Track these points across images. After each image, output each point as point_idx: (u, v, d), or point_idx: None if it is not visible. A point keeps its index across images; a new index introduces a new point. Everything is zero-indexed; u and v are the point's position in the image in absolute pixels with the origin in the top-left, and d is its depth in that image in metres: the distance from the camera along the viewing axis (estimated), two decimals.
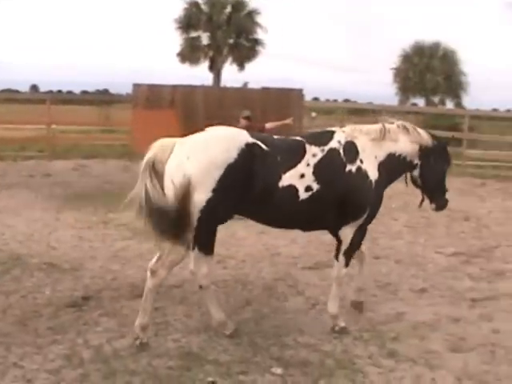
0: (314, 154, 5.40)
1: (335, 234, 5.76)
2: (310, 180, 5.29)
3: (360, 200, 5.53)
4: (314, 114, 32.01)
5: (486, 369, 5.07)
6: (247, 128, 10.06)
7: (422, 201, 6.38)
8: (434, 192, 6.20)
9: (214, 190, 4.93)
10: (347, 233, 5.65)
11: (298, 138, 5.63)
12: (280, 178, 5.20)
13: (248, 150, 5.09)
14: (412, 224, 10.53)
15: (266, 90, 20.15)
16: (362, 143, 5.64)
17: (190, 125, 19.47)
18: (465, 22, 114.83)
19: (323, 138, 5.61)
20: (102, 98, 34.19)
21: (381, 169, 5.67)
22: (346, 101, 53.02)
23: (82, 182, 14.62)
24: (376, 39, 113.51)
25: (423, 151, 5.94)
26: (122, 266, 7.56)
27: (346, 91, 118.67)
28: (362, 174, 5.51)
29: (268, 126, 11.59)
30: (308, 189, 5.28)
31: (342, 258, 5.71)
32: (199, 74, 73.63)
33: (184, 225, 4.91)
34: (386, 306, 6.45)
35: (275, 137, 5.57)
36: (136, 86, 20.19)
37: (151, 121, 18.30)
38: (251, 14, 43.58)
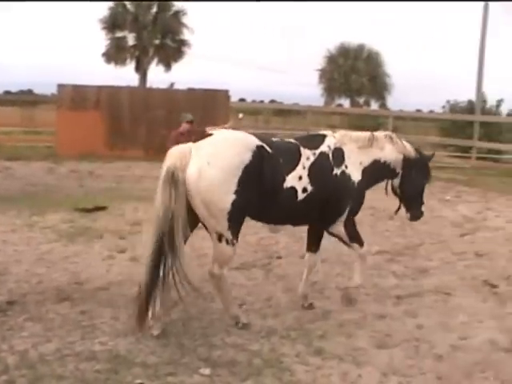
0: (307, 157, 5.82)
1: (313, 231, 6.45)
2: (305, 182, 5.72)
3: (342, 200, 6.05)
4: (240, 115, 32.06)
5: (410, 363, 5.19)
6: (189, 132, 10.05)
7: (398, 209, 6.90)
8: (411, 202, 6.73)
9: (236, 191, 5.25)
10: (339, 229, 6.23)
11: (293, 140, 6.03)
12: (284, 179, 5.60)
13: (258, 152, 5.42)
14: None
15: (191, 90, 20.16)
16: (348, 149, 6.12)
17: (115, 126, 19.39)
18: (389, 25, 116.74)
19: (315, 141, 6.06)
20: (25, 99, 33.49)
21: (365, 173, 6.19)
22: (272, 101, 53.32)
23: (5, 184, 14.20)
24: (302, 40, 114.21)
25: (406, 161, 6.44)
26: (48, 270, 7.39)
27: (272, 92, 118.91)
28: (345, 176, 6.02)
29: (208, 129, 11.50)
30: (304, 190, 5.72)
31: (353, 245, 6.33)
32: (125, 75, 72.77)
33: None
34: (314, 305, 6.50)
35: (274, 139, 5.99)
36: (60, 87, 19.92)
37: (76, 122, 18.12)
38: (177, 15, 43.47)
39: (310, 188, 5.74)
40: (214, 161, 5.22)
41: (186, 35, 44.10)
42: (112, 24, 42.78)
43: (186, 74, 75.71)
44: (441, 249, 9.32)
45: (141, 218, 9.92)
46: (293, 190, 5.65)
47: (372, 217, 11.49)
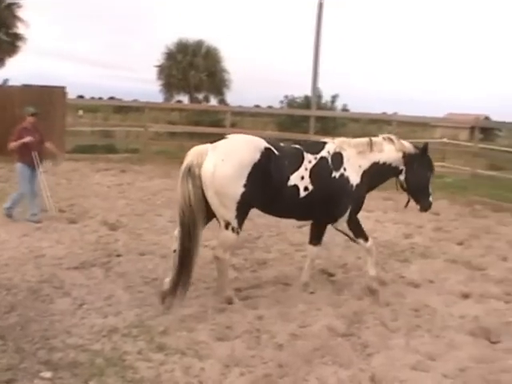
0: (309, 160, 6.53)
1: (316, 225, 7.16)
2: (307, 182, 6.45)
3: (341, 200, 6.71)
4: (80, 112, 31.28)
5: (252, 354, 5.31)
6: (34, 126, 9.63)
7: (408, 202, 7.45)
8: (419, 195, 7.25)
9: (245, 185, 6.05)
10: (343, 226, 6.91)
11: (297, 146, 6.71)
12: (288, 178, 6.35)
13: (266, 153, 6.23)
14: (176, 219, 10.61)
15: (27, 87, 19.27)
16: (347, 154, 6.78)
17: None
18: (227, 21, 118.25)
19: (317, 147, 6.75)
20: None
21: (365, 175, 6.83)
22: (112, 98, 52.40)
23: None
24: (142, 36, 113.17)
25: (407, 158, 7.03)
26: None
27: (111, 89, 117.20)
28: (343, 179, 6.68)
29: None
30: (306, 189, 6.44)
31: (358, 240, 6.95)
32: None
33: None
34: (154, 300, 6.47)
35: (281, 144, 6.70)
36: None
37: None
38: (11, 7, 41.44)
39: (310, 187, 6.46)
40: (227, 158, 6.04)
41: (20, 29, 42.25)
42: None
43: (20, 70, 72.54)
44: (279, 241, 9.58)
45: None
46: (295, 187, 6.39)
47: None
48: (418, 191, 7.22)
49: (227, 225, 6.26)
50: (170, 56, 47.69)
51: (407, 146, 7.10)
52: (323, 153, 6.70)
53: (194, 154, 6.23)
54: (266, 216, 11.16)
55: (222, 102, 47.55)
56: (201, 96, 49.47)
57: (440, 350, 5.61)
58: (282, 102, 30.79)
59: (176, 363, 5.05)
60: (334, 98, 30.13)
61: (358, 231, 6.97)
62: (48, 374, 4.70)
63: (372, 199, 14.41)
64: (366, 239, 7.00)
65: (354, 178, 6.75)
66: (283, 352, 5.37)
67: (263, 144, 6.31)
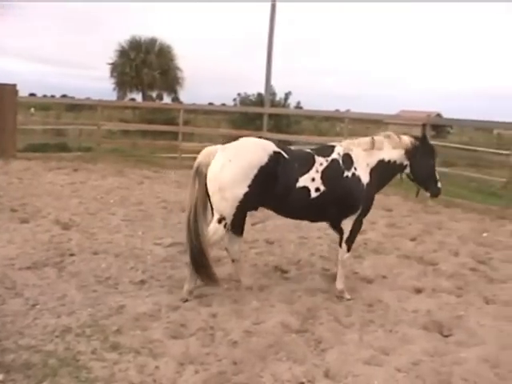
0: (321, 163, 6.74)
1: (335, 227, 7.19)
2: (318, 183, 6.63)
3: (354, 199, 6.84)
4: (32, 110, 30.81)
5: (206, 351, 5.32)
6: None
7: (418, 191, 7.74)
8: (427, 183, 7.40)
9: (249, 186, 6.28)
10: (347, 224, 6.99)
11: (308, 150, 6.95)
12: (297, 180, 6.55)
13: (275, 156, 6.44)
14: (130, 217, 10.59)
15: None
16: (356, 154, 6.96)
17: None
18: (180, 18, 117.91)
19: (327, 150, 6.96)
20: None
21: (372, 173, 6.99)
22: (64, 96, 51.90)
23: None
24: (96, 34, 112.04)
25: (408, 152, 7.19)
26: None
27: (64, 87, 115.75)
28: (355, 178, 6.84)
29: None
30: (317, 189, 6.63)
31: (344, 245, 7.06)
32: None
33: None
34: (108, 299, 6.45)
35: (292, 148, 7.04)
36: None
37: None
38: None
39: (322, 188, 6.64)
40: (235, 159, 6.30)
41: None
42: None
43: None
44: None
45: None
46: (305, 189, 6.57)
47: (164, 210, 11.55)
48: (426, 180, 7.39)
49: (221, 220, 6.43)
50: (123, 54, 47.23)
51: (407, 141, 7.23)
52: (334, 155, 6.89)
53: (203, 154, 6.53)
54: None
55: (176, 99, 47.37)
56: (154, 94, 49.21)
57: (393, 344, 5.69)
58: (235, 99, 30.74)
59: (130, 362, 5.03)
60: (288, 95, 30.22)
61: (352, 236, 7.09)
62: (0, 376, 4.64)
63: None
64: (349, 250, 7.14)
65: (364, 177, 6.92)
66: (237, 349, 5.39)
67: (272, 148, 6.54)
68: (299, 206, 6.69)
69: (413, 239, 10.14)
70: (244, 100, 30.09)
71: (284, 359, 5.26)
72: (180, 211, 11.41)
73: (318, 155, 6.82)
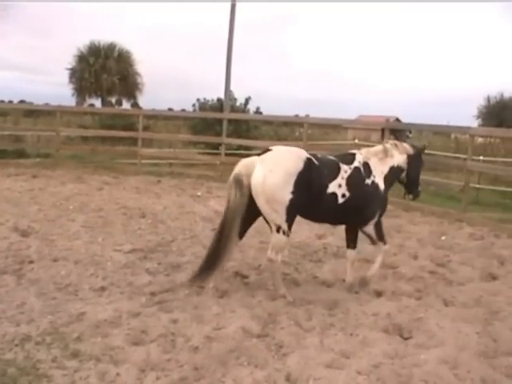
0: (345, 170, 7.16)
1: (349, 228, 7.67)
2: (344, 189, 7.06)
3: (374, 204, 7.39)
4: None
5: (167, 357, 5.31)
6: None
7: (405, 193, 8.47)
8: (413, 186, 8.20)
9: (292, 192, 6.62)
10: (370, 229, 7.56)
11: (331, 157, 7.35)
12: (327, 186, 6.95)
13: (308, 163, 6.79)
14: (90, 224, 10.53)
15: None
16: (373, 163, 7.50)
17: None
18: (139, 23, 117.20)
19: (349, 159, 7.39)
20: None
21: (385, 180, 7.56)
22: (22, 102, 51.32)
23: None
24: (53, 38, 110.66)
25: (409, 158, 7.88)
26: None
27: (22, 92, 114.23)
28: (374, 186, 7.38)
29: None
30: (343, 195, 7.05)
31: (379, 243, 7.70)
32: None
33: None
34: (68, 307, 6.40)
35: (319, 155, 7.22)
36: None
37: None
38: None
39: (347, 194, 7.06)
40: (275, 168, 6.63)
41: None
42: None
43: None
44: (193, 244, 9.57)
45: None
46: (334, 195, 7.00)
47: (124, 216, 11.50)
48: (413, 184, 8.15)
49: (278, 228, 6.82)
50: (82, 59, 46.97)
51: (408, 148, 7.95)
52: (355, 163, 7.35)
53: (242, 165, 6.90)
54: (179, 219, 11.32)
55: (135, 105, 47.18)
56: (113, 99, 49.01)
57: (354, 347, 5.74)
58: (194, 105, 30.59)
59: (91, 369, 5.00)
60: (247, 100, 30.23)
61: (380, 234, 7.72)
62: None
63: None
64: (385, 243, 7.82)
65: (381, 184, 7.48)
66: (199, 355, 5.39)
67: (305, 154, 6.92)
68: (327, 211, 7.15)
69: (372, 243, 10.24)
70: (203, 105, 30.00)
71: (245, 364, 5.28)
72: (140, 217, 11.41)
73: (342, 163, 7.26)
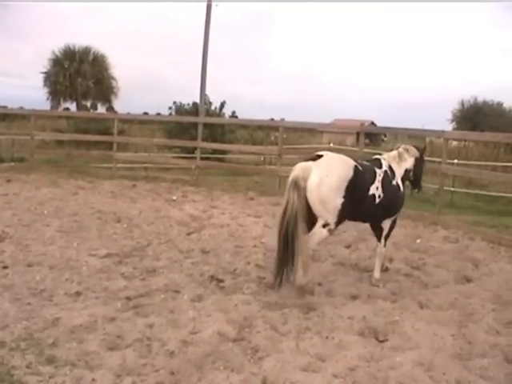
0: (379, 174, 7.90)
1: (376, 226, 8.38)
2: (380, 191, 7.79)
3: (397, 203, 8.23)
4: None
5: (143, 362, 5.31)
6: None
7: (412, 189, 9.24)
8: (417, 182, 9.11)
9: (344, 196, 7.30)
10: (387, 224, 8.33)
11: (366, 162, 8.13)
12: (368, 189, 7.67)
13: (355, 169, 7.47)
14: (65, 229, 10.46)
15: None
16: (394, 166, 8.36)
17: None
18: (115, 27, 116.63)
19: (378, 163, 8.17)
20: None
21: (402, 180, 8.39)
22: None
23: None
24: (27, 42, 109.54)
25: (416, 160, 8.77)
26: None
27: None
28: (397, 187, 8.19)
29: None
30: (379, 196, 7.78)
31: (383, 240, 8.32)
32: None
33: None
34: (43, 312, 6.35)
35: (359, 161, 7.96)
36: None
37: None
38: None
39: (382, 195, 7.79)
40: (330, 174, 7.27)
41: None
42: None
43: None
44: (168, 248, 9.55)
45: None
46: (373, 196, 7.71)
47: (99, 220, 11.46)
48: (418, 180, 9.06)
49: (325, 225, 7.37)
50: (57, 62, 46.65)
51: (415, 150, 8.83)
52: (384, 167, 8.12)
53: (299, 169, 7.39)
54: (155, 223, 11.29)
55: (110, 109, 46.98)
56: (88, 103, 48.75)
57: (330, 350, 5.77)
58: (170, 108, 30.50)
59: (66, 375, 4.97)
60: (223, 104, 30.22)
61: (389, 233, 8.47)
62: None
63: (260, 205, 14.73)
64: (385, 245, 8.43)
65: (400, 184, 8.30)
66: (175, 359, 5.39)
67: (352, 162, 7.60)
68: (367, 211, 7.84)
69: (347, 246, 10.33)
70: (179, 109, 29.94)
71: (221, 368, 5.29)
72: (115, 222, 11.36)
73: (375, 167, 8.00)
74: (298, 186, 7.28)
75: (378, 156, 8.59)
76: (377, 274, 8.21)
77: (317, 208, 7.32)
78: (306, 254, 7.44)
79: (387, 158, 8.43)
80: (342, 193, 7.29)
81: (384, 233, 8.33)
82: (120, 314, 6.41)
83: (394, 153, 8.63)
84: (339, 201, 7.28)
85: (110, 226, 11.03)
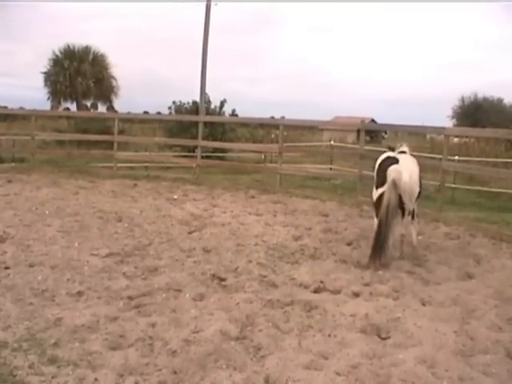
0: (419, 167, 9.58)
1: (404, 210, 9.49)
2: (419, 182, 9.40)
3: (420, 191, 9.57)
4: None
5: (146, 361, 5.29)
6: None
7: None
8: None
9: (419, 192, 9.46)
10: (415, 207, 9.60)
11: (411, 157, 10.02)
12: (421, 180, 9.51)
13: (418, 167, 9.51)
14: (66, 229, 10.46)
15: None
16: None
17: None
18: (115, 26, 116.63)
19: (413, 159, 9.84)
20: None
21: None
22: None
23: None
24: (27, 42, 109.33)
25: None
26: None
27: None
28: (420, 177, 9.55)
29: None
30: (420, 186, 9.43)
31: (415, 219, 9.74)
32: None
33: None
34: (45, 312, 6.35)
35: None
36: None
37: None
38: None
39: (419, 185, 9.38)
40: (413, 174, 9.06)
41: None
42: None
43: None
44: (170, 247, 9.55)
45: None
46: (419, 188, 9.38)
47: (101, 220, 11.45)
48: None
49: (413, 213, 9.50)
50: (57, 62, 46.62)
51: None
52: (415, 162, 9.70)
53: (396, 172, 8.79)
54: (156, 222, 11.28)
55: (110, 108, 46.95)
56: (88, 103, 48.74)
57: (332, 348, 5.76)
58: (170, 107, 30.41)
59: (69, 375, 4.96)
60: (223, 103, 30.14)
61: (417, 213, 9.89)
62: None
63: (261, 203, 14.72)
64: (414, 219, 9.81)
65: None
66: (177, 358, 5.38)
67: (416, 161, 9.67)
68: (417, 197, 9.41)
69: (349, 244, 10.30)
70: (179, 108, 29.86)
71: (224, 367, 5.27)
72: (116, 221, 11.36)
73: (415, 162, 9.65)
74: (396, 186, 8.78)
75: (404, 149, 10.31)
76: (415, 242, 9.65)
77: (407, 201, 8.98)
78: (400, 230, 9.38)
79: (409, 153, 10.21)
80: (419, 187, 9.29)
81: (416, 212, 9.68)
82: (122, 314, 6.41)
83: (407, 148, 10.35)
84: (417, 193, 9.26)
85: (112, 225, 11.03)
